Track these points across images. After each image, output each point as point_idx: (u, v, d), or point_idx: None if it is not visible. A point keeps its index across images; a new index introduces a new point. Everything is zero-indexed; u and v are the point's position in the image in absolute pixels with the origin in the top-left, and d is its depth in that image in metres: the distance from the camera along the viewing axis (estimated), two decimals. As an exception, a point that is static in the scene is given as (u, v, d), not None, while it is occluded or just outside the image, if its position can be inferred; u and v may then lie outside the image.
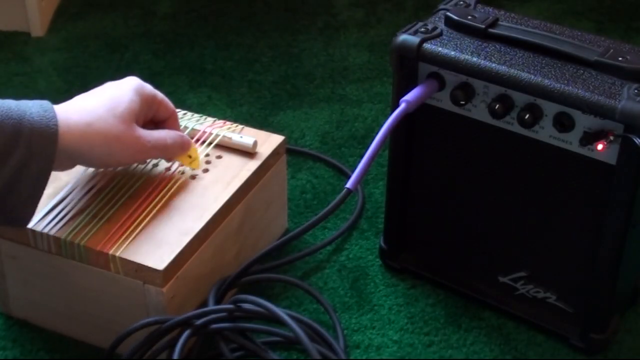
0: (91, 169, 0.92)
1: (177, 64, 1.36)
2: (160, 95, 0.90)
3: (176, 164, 0.94)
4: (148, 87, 0.88)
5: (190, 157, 0.92)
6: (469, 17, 0.88)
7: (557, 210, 0.86)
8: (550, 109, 0.82)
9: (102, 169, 0.92)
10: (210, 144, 0.97)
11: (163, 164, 0.94)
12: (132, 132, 0.84)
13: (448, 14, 0.89)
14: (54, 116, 0.79)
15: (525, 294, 0.92)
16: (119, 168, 0.92)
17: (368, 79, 1.33)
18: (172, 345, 0.83)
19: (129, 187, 0.91)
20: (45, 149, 0.78)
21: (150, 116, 0.89)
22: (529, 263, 0.91)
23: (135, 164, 0.93)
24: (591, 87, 0.80)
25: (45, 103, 0.80)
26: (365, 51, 1.39)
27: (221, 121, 1.00)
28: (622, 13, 1.49)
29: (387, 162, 0.94)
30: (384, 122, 0.85)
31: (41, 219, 0.87)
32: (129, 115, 0.84)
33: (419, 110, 0.87)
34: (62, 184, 0.91)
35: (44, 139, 0.78)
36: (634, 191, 0.80)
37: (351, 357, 0.89)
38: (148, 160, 0.94)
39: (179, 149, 0.90)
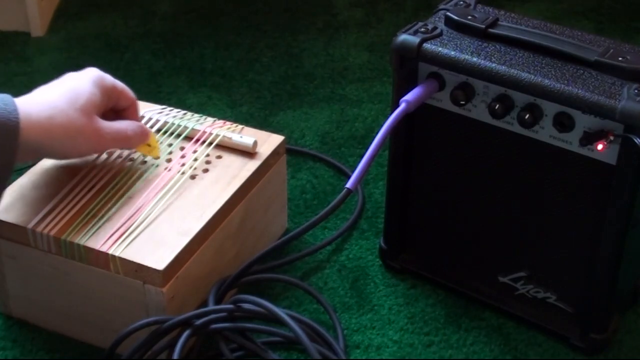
0: (90, 169, 0.92)
1: (177, 64, 1.36)
2: (120, 85, 0.91)
3: (176, 165, 0.94)
4: (108, 78, 0.89)
5: (149, 145, 0.93)
6: (469, 17, 0.88)
7: (557, 210, 0.86)
8: (550, 109, 0.82)
9: (67, 160, 0.92)
10: (210, 144, 0.97)
11: (163, 164, 0.94)
12: (92, 124, 0.85)
13: (448, 14, 0.89)
14: (15, 109, 0.79)
15: (525, 294, 0.92)
16: (104, 160, 0.92)
17: (368, 79, 1.33)
18: (172, 345, 0.83)
19: (128, 187, 0.91)
20: (6, 143, 0.78)
21: (110, 106, 0.90)
22: (529, 263, 0.91)
23: (132, 163, 0.93)
24: (591, 87, 0.80)
25: (5, 97, 0.80)
26: (365, 51, 1.39)
27: (221, 121, 1.00)
28: (622, 13, 1.49)
29: (387, 162, 0.94)
30: (384, 122, 0.85)
31: (41, 219, 0.87)
32: (89, 108, 0.85)
33: (419, 110, 0.87)
34: (62, 184, 0.91)
35: (5, 133, 0.78)
36: (634, 191, 0.80)
37: (351, 357, 0.89)
38: (145, 160, 0.94)
39: (139, 140, 0.91)
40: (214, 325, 0.85)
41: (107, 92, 0.88)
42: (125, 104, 0.91)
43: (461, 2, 0.92)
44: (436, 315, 0.94)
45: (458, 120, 0.88)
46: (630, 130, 0.78)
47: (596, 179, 0.82)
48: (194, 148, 0.96)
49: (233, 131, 0.98)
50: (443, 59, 0.85)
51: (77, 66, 1.34)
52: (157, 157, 0.94)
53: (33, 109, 0.81)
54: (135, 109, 0.93)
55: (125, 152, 0.95)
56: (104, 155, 0.95)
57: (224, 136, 0.97)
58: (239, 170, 0.94)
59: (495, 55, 0.84)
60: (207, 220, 0.88)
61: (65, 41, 1.42)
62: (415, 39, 0.86)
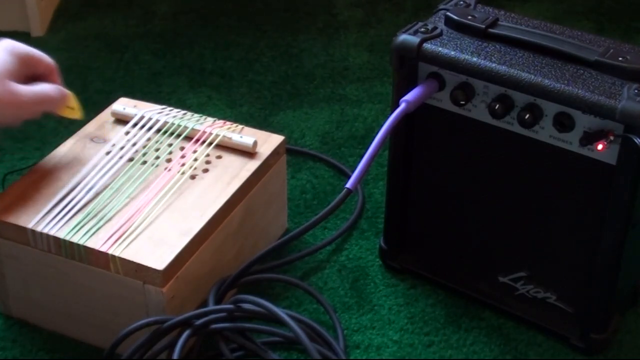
0: (90, 169, 0.92)
1: (177, 64, 1.36)
2: (36, 52, 0.91)
3: (176, 165, 0.94)
4: (22, 46, 0.90)
5: (71, 108, 0.94)
6: (469, 17, 0.88)
7: (557, 210, 0.86)
8: (550, 109, 0.82)
9: None
10: (210, 144, 0.97)
11: (163, 164, 0.94)
12: (7, 88, 0.86)
13: (448, 14, 0.89)
14: None
15: (525, 294, 0.92)
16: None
17: (368, 79, 1.33)
18: (172, 345, 0.83)
19: (129, 187, 0.91)
20: None
21: (30, 74, 0.91)
22: (529, 263, 0.91)
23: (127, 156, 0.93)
24: (591, 87, 0.80)
25: None
26: (365, 51, 1.39)
27: (221, 121, 1.00)
28: (622, 13, 1.49)
29: (387, 162, 0.94)
30: (384, 122, 0.85)
31: (41, 219, 0.87)
32: (2, 74, 0.86)
33: (419, 110, 0.87)
34: (62, 184, 0.91)
35: None
36: (634, 191, 0.80)
37: (351, 357, 0.89)
38: (144, 159, 0.94)
39: (59, 100, 0.92)
40: (214, 325, 0.85)
41: (22, 59, 0.89)
42: (45, 70, 0.92)
43: (461, 2, 0.92)
44: (436, 315, 0.94)
45: (458, 120, 0.88)
46: (630, 130, 0.78)
47: (596, 179, 0.82)
48: (194, 148, 0.96)
49: (233, 131, 0.98)
50: (443, 59, 0.85)
51: (77, 66, 1.35)
52: (81, 118, 0.95)
53: None
54: (55, 75, 0.93)
55: (126, 153, 0.95)
56: (104, 155, 0.95)
57: (224, 136, 0.97)
58: (239, 170, 0.94)
59: (495, 55, 0.84)
60: (207, 220, 0.88)
61: (65, 41, 1.42)
62: (415, 39, 0.86)
